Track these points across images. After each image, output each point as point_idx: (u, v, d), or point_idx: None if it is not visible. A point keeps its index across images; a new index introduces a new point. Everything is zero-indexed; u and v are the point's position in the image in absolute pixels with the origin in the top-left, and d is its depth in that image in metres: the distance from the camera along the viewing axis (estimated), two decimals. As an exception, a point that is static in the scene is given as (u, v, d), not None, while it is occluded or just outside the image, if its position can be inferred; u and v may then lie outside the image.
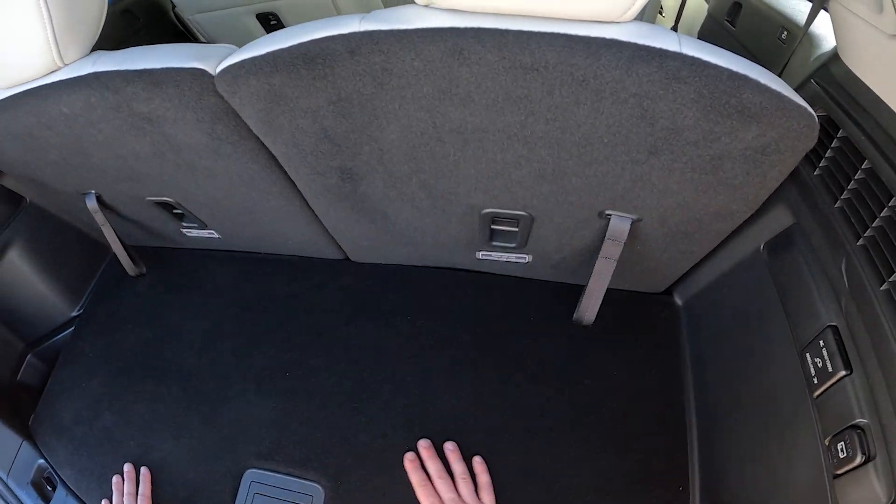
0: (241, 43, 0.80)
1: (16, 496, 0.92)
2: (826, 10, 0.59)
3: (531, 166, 0.62)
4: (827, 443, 0.51)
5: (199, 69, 0.60)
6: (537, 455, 0.80)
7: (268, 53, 0.55)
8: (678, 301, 0.90)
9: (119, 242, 1.00)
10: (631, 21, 0.48)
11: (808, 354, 0.56)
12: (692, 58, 0.47)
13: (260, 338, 1.00)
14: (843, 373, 0.51)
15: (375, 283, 1.01)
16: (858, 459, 0.47)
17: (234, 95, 0.60)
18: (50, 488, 0.95)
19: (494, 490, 0.75)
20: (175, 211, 0.95)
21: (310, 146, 0.66)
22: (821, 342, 0.55)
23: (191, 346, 1.02)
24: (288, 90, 0.57)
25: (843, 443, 0.49)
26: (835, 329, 0.54)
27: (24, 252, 1.02)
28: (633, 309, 0.89)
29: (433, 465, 0.77)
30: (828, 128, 0.59)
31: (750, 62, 0.49)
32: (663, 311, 0.89)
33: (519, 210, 0.71)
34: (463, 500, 0.72)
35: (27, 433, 0.97)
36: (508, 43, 0.48)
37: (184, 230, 1.01)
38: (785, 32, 0.82)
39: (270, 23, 1.29)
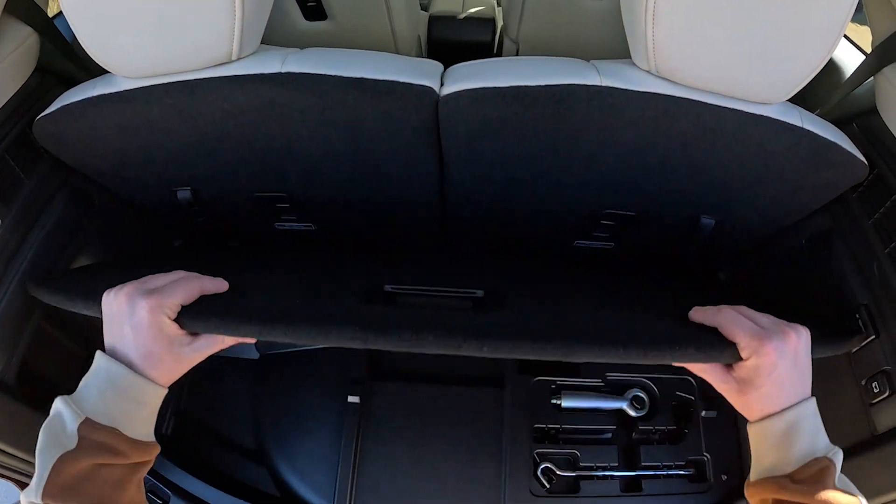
0: (275, 24, 0.86)
1: None
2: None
3: (665, 185, 0.81)
4: (863, 383, 0.78)
5: (428, 87, 0.67)
6: None
7: (512, 87, 0.65)
8: (721, 277, 1.14)
9: (210, 236, 1.03)
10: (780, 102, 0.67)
11: (847, 324, 0.82)
12: (810, 132, 0.68)
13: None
14: (873, 336, 0.77)
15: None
16: (887, 392, 0.73)
17: (454, 116, 0.69)
18: (161, 502, 0.95)
19: None
20: (278, 205, 0.97)
21: (497, 160, 0.77)
22: (856, 315, 0.79)
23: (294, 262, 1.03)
24: (515, 119, 0.68)
25: (875, 382, 0.75)
26: (867, 307, 0.79)
27: (97, 257, 0.98)
28: (685, 280, 1.11)
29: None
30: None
31: (838, 131, 0.72)
32: (709, 284, 1.13)
33: (629, 211, 0.90)
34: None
35: None
36: (704, 111, 0.67)
37: (277, 224, 1.05)
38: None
39: (308, 4, 1.27)
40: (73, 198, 0.91)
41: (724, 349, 0.58)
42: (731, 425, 1.03)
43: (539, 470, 0.95)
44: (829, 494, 0.52)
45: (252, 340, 0.63)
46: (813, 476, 0.53)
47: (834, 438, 0.81)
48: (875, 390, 0.75)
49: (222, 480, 0.96)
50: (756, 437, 0.58)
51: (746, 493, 0.59)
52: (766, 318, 0.61)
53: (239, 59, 0.67)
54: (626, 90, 0.65)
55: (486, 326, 0.61)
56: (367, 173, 0.84)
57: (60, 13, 0.96)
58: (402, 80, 0.67)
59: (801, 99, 0.73)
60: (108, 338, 0.56)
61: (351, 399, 0.97)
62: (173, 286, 0.57)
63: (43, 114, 0.75)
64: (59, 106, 0.73)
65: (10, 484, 0.87)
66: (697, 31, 0.60)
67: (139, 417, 0.55)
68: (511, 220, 0.96)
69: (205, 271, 0.66)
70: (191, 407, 1.05)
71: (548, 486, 0.94)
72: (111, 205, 1.00)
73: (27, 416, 0.80)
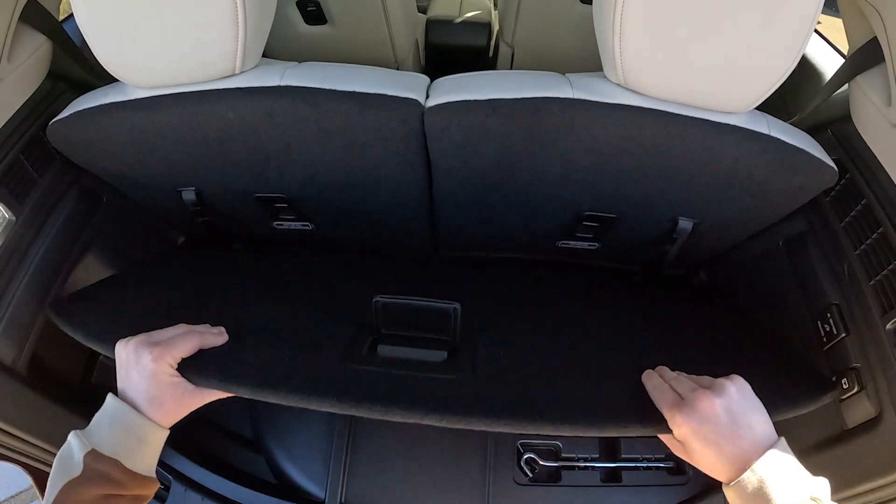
0: (277, 28, 0.93)
1: None
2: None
3: (642, 189, 0.85)
4: (833, 379, 0.81)
5: (414, 100, 0.73)
6: None
7: (490, 100, 0.71)
8: (703, 277, 1.17)
9: (212, 234, 1.06)
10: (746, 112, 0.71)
11: (819, 322, 0.85)
12: (776, 139, 0.72)
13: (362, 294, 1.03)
14: (844, 334, 0.80)
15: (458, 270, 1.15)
16: (856, 388, 0.76)
17: (437, 125, 0.74)
18: (162, 486, 0.95)
19: None
20: (277, 205, 1.01)
21: (478, 165, 0.82)
22: (828, 314, 0.83)
23: (288, 286, 1.01)
24: (494, 127, 0.74)
25: (846, 378, 0.78)
26: (838, 306, 0.82)
27: (103, 252, 1.02)
28: (667, 284, 1.13)
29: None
30: (838, 167, 0.85)
31: (808, 137, 0.75)
32: (691, 287, 1.16)
33: (611, 213, 0.93)
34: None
35: None
36: (671, 121, 0.71)
37: (275, 224, 1.09)
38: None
39: (308, 9, 1.31)
40: (82, 196, 0.96)
41: (661, 422, 0.62)
42: None
43: (522, 460, 0.99)
44: None
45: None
46: None
47: (807, 434, 0.85)
48: (845, 386, 0.78)
49: (221, 467, 1.00)
50: (732, 499, 0.56)
51: None
52: (686, 384, 0.62)
53: (242, 72, 0.73)
54: (596, 102, 0.70)
55: (447, 400, 0.67)
56: (360, 178, 0.89)
57: (69, 17, 1.00)
58: (390, 93, 0.73)
59: (783, 105, 0.76)
60: (120, 381, 0.63)
61: None
62: (176, 340, 0.64)
63: (57, 118, 0.80)
64: (72, 111, 0.78)
65: (20, 469, 0.92)
66: (661, 47, 0.64)
67: (140, 453, 0.60)
68: (496, 222, 1.00)
69: (201, 306, 0.79)
70: None
71: (530, 475, 0.98)
72: (119, 203, 1.04)
73: (38, 405, 0.85)
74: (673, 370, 0.67)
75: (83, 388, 1.01)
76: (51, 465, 0.86)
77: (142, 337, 0.63)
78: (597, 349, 0.82)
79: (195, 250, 1.15)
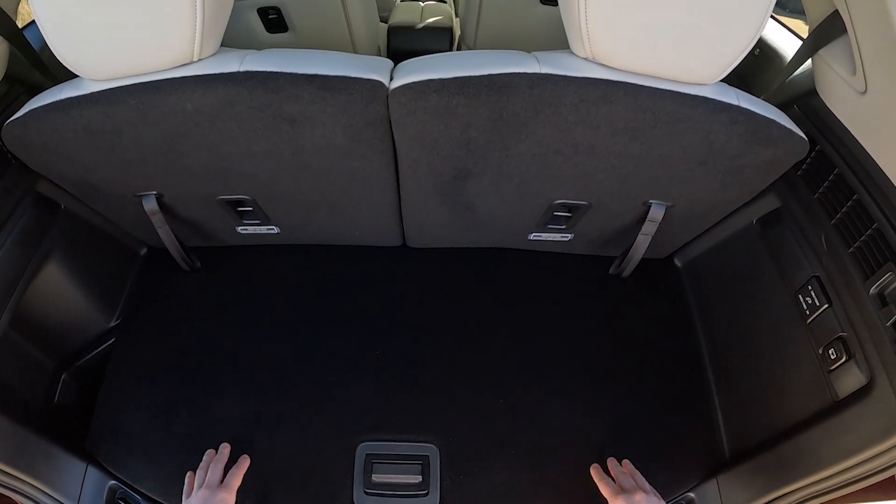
0: (239, 36, 0.96)
1: None
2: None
3: (613, 171, 0.83)
4: (820, 351, 0.80)
5: (378, 81, 0.70)
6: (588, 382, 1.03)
7: (456, 78, 0.69)
8: (678, 263, 1.17)
9: (177, 242, 1.02)
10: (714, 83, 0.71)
11: (800, 296, 0.85)
12: (746, 109, 0.72)
13: (335, 322, 1.07)
14: (826, 305, 0.80)
15: (433, 265, 1.15)
16: (844, 358, 0.76)
17: (403, 107, 0.71)
18: None
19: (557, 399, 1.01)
20: (240, 208, 0.98)
21: (446, 151, 0.79)
22: (809, 287, 0.83)
23: (265, 336, 1.05)
24: (461, 108, 0.71)
25: (832, 349, 0.78)
26: (817, 278, 0.83)
27: (62, 263, 0.98)
28: (643, 271, 1.13)
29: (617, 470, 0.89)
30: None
31: (776, 109, 0.75)
32: (667, 272, 1.16)
33: (583, 200, 0.92)
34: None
35: (88, 456, 0.93)
36: (642, 93, 0.69)
37: (239, 228, 1.04)
38: (758, 49, 1.06)
39: (269, 17, 1.29)
40: (39, 204, 0.90)
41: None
42: None
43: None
44: None
45: None
46: None
47: (796, 410, 0.84)
48: (832, 357, 0.78)
49: None
50: None
51: None
52: (628, 481, 0.85)
53: (200, 59, 0.70)
54: (565, 76, 0.68)
55: None
56: (325, 173, 0.85)
57: (29, 24, 0.96)
58: (353, 75, 0.70)
59: (746, 87, 0.76)
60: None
61: None
62: (232, 479, 0.84)
63: (11, 118, 0.75)
64: (27, 110, 0.73)
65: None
66: (628, 15, 0.63)
67: None
68: (465, 214, 0.98)
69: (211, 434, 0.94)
70: None
71: None
72: (78, 212, 0.99)
73: None
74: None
75: (46, 408, 0.96)
76: (12, 489, 0.80)
77: (205, 489, 0.81)
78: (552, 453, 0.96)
79: (158, 301, 1.12)
